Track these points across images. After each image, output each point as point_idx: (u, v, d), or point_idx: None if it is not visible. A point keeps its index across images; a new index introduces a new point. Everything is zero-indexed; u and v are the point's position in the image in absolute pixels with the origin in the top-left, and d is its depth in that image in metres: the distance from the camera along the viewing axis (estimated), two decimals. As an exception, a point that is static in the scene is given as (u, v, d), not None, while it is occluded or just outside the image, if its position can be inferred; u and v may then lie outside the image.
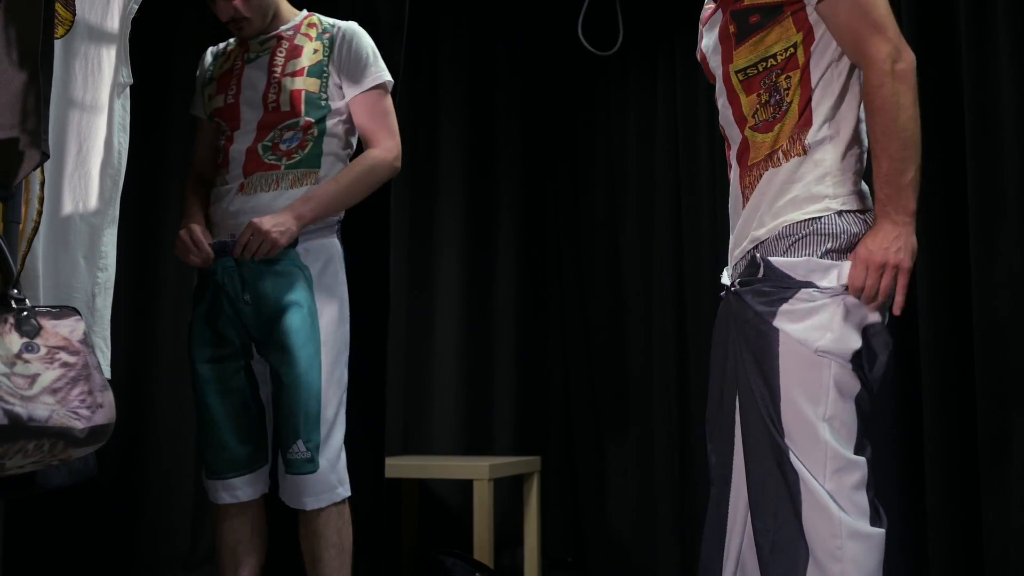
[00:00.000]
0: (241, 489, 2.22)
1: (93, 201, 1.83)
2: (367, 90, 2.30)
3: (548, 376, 4.06)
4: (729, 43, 1.80)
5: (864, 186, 1.73)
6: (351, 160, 2.34)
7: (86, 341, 1.52)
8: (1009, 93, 2.31)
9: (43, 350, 1.50)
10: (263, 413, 2.26)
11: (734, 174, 1.85)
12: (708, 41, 1.91)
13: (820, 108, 1.70)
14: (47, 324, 1.51)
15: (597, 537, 3.69)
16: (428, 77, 4.13)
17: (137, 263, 3.43)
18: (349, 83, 2.30)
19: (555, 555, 3.86)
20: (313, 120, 2.27)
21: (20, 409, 1.41)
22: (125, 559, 3.35)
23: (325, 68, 2.29)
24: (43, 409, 1.43)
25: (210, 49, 2.45)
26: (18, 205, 1.53)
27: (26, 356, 1.49)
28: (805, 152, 1.70)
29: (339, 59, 2.29)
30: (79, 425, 1.46)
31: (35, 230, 1.65)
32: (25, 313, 1.51)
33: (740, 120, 1.80)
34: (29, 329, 1.50)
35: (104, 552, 3.34)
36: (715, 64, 1.88)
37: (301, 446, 2.15)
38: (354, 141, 2.39)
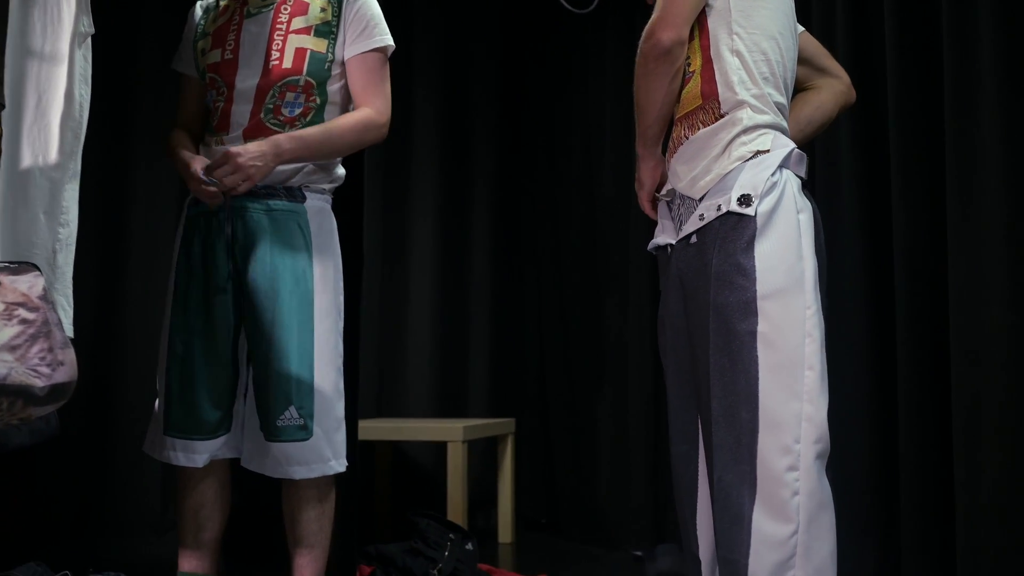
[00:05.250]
0: (199, 454, 2.14)
1: (53, 155, 1.77)
2: (368, 51, 2.22)
3: (523, 338, 4.05)
4: None
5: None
6: None
7: (46, 297, 1.47)
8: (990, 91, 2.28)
9: (0, 306, 1.45)
10: (237, 380, 2.18)
11: None
12: None
13: None
14: (4, 280, 1.45)
15: (571, 498, 3.70)
16: (403, 44, 4.06)
17: (102, 219, 3.37)
18: (351, 42, 2.21)
19: (529, 516, 3.87)
20: (315, 83, 2.19)
21: (-23, 367, 1.36)
22: (94, 522, 3.32)
23: (333, 29, 2.20)
24: (1, 367, 1.38)
25: (199, 3, 2.35)
26: (-26, 157, 1.47)
27: (-17, 313, 1.44)
28: None
29: (346, 19, 2.20)
30: (39, 383, 1.42)
31: (-8, 184, 1.60)
32: (-18, 269, 1.45)
33: None
34: (-14, 285, 1.44)
35: (72, 515, 3.31)
36: None
37: (294, 412, 2.09)
38: None
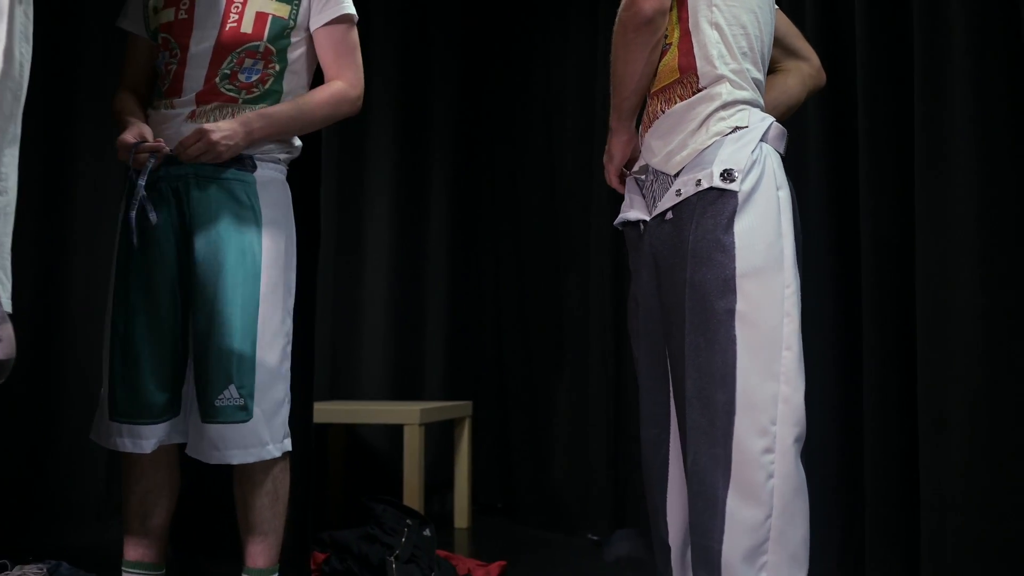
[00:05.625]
0: (146, 439, 2.02)
1: (-9, 117, 1.64)
2: (334, 20, 2.12)
3: (480, 320, 3.98)
4: None
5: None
6: None
7: None
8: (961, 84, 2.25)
9: None
10: (186, 361, 2.07)
11: None
12: None
13: None
14: None
15: (528, 483, 3.65)
16: (360, 24, 3.97)
17: (44, 187, 3.21)
18: (316, 11, 2.11)
19: (485, 501, 3.81)
20: (275, 50, 2.09)
21: (-95, 342, 1.25)
22: (34, 507, 3.18)
23: None
24: None
25: None
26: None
27: (-88, 284, 1.32)
28: None
29: None
30: None
31: (-77, 146, 1.48)
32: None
33: None
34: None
35: (10, 499, 3.17)
36: None
37: (234, 391, 1.99)
38: None
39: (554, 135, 3.67)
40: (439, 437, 3.79)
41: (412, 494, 3.15)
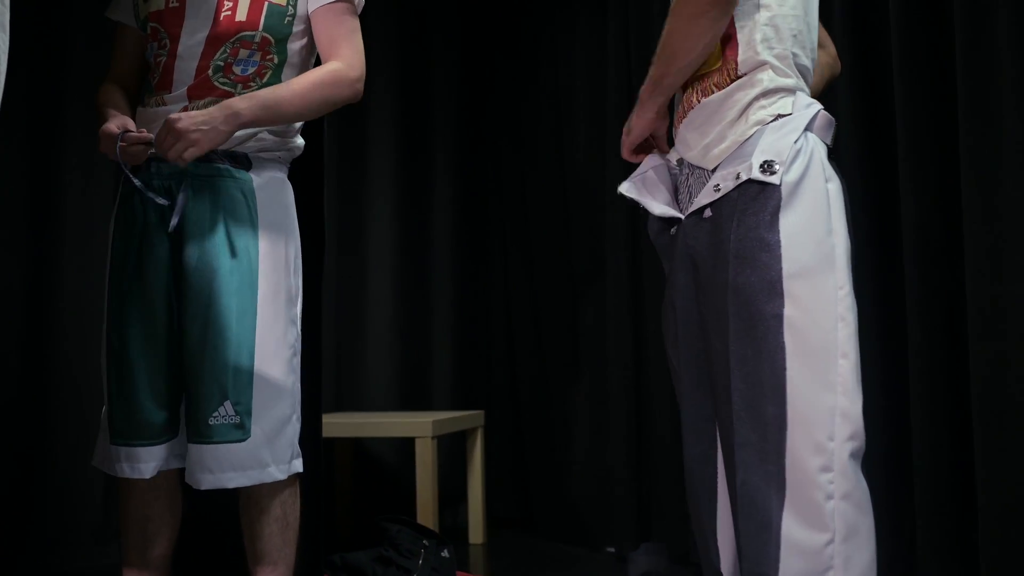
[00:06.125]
0: (145, 463, 1.87)
1: (-35, 114, 1.49)
2: (334, 1, 1.96)
3: (489, 325, 3.82)
4: None
5: None
6: None
7: None
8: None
9: None
10: (182, 377, 1.90)
11: None
12: None
13: None
14: None
15: (545, 495, 3.49)
16: (360, 17, 3.84)
17: (29, 192, 3.04)
18: None
19: (499, 514, 3.66)
20: (272, 40, 1.93)
21: None
22: (29, 531, 3.04)
23: None
24: None
25: None
26: None
27: None
28: None
29: None
30: None
31: None
32: None
33: None
34: None
35: (4, 522, 3.03)
36: None
37: (229, 408, 1.83)
38: None
39: (564, 132, 3.50)
40: (450, 448, 3.63)
41: (426, 511, 2.99)
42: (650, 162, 1.75)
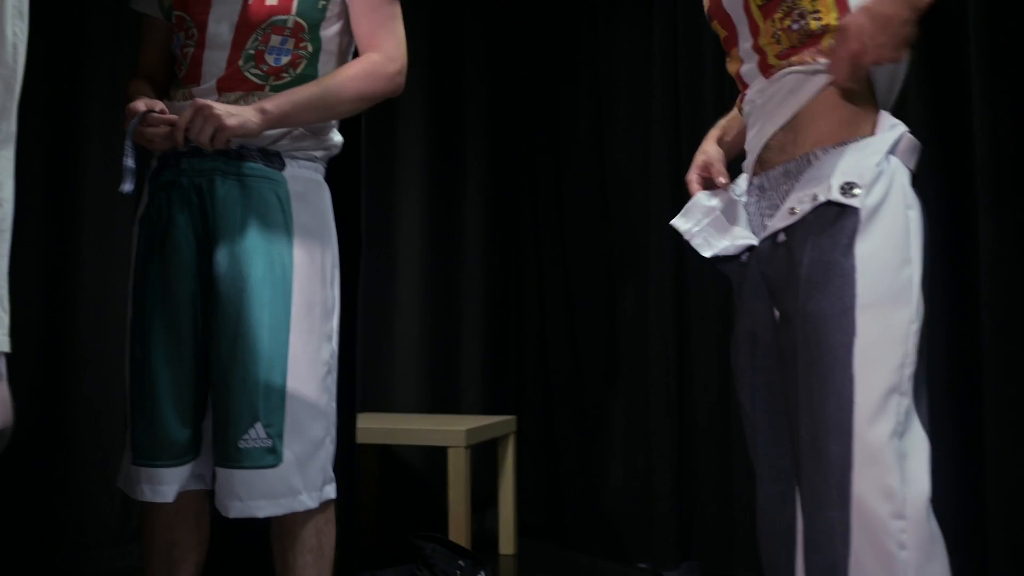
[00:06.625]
0: (167, 485, 1.73)
1: (-20, 112, 1.35)
2: None
3: (522, 325, 3.67)
4: None
5: None
6: None
7: None
8: None
9: None
10: (207, 392, 1.77)
11: None
12: None
13: None
14: None
15: (578, 506, 3.34)
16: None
17: (47, 195, 2.92)
18: None
19: (529, 522, 3.52)
20: (306, 25, 1.78)
21: None
22: (47, 531, 2.96)
23: None
24: None
25: None
26: None
27: None
28: None
29: None
30: None
31: None
32: None
33: (759, 51, 1.54)
34: None
35: (23, 522, 2.93)
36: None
37: (260, 431, 1.68)
38: None
39: (604, 122, 3.33)
40: (481, 453, 3.50)
41: (458, 524, 2.85)
42: (712, 200, 1.62)
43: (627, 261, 3.21)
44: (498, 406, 3.63)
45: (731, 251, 1.58)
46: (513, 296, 3.72)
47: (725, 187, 1.63)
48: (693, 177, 1.66)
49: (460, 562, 2.38)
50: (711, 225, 1.61)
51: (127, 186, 1.64)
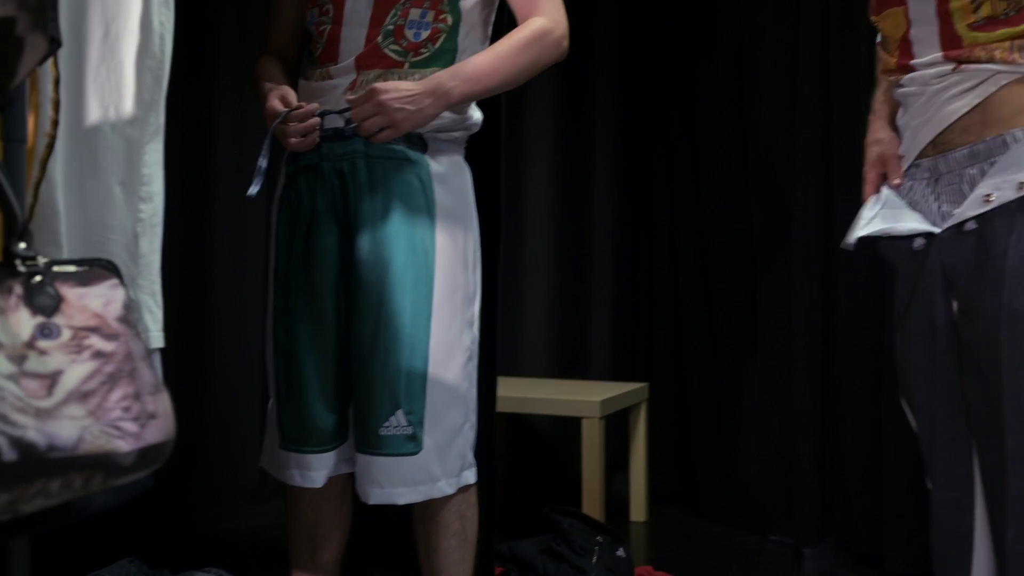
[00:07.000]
0: (316, 471, 1.75)
1: (129, 105, 1.34)
2: None
3: (653, 291, 3.57)
4: None
5: None
6: None
7: (127, 318, 1.03)
8: None
9: (66, 334, 1.01)
10: (351, 379, 1.76)
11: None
12: None
13: None
14: (70, 294, 1.02)
15: (712, 476, 3.26)
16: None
17: (185, 187, 2.96)
18: None
19: (661, 488, 3.46)
20: None
21: (35, 434, 0.94)
22: (188, 491, 3.06)
23: None
24: (69, 427, 0.96)
25: None
26: (21, 115, 1.02)
27: (42, 344, 1.00)
28: None
29: None
30: (123, 447, 0.99)
31: (50, 148, 1.16)
32: (39, 278, 1.01)
33: (945, 16, 1.37)
34: (45, 302, 1.00)
35: (164, 483, 3.04)
36: None
37: (401, 418, 1.67)
38: None
39: (746, 88, 3.15)
40: (612, 420, 3.45)
41: (592, 495, 2.81)
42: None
43: (769, 229, 3.06)
44: (627, 372, 3.56)
45: (902, 232, 1.46)
46: (644, 262, 3.62)
47: (898, 187, 1.49)
48: (871, 177, 1.52)
49: (599, 538, 2.34)
50: (885, 207, 1.48)
51: (255, 188, 1.63)
